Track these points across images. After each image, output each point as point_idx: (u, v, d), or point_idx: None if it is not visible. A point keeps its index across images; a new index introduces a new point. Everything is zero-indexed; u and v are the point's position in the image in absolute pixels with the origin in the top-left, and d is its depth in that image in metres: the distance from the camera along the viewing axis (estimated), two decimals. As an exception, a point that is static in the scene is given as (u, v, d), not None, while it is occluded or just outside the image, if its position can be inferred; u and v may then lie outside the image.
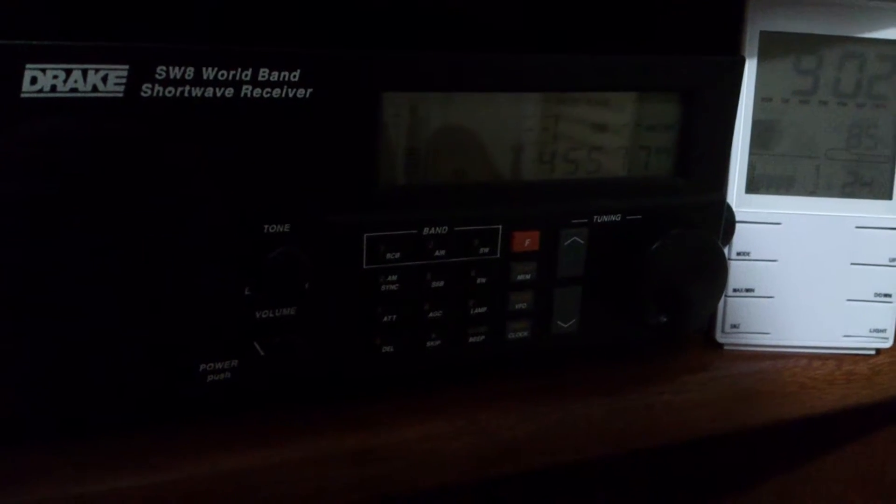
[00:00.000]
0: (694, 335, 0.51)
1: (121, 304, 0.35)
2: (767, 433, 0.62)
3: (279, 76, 0.35)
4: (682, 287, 0.44)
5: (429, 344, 0.41)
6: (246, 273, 0.37)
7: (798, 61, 0.48)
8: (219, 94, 0.34)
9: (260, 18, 0.48)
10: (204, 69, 0.33)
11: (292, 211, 0.37)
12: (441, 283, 0.40)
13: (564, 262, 0.43)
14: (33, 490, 0.34)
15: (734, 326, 0.50)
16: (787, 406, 0.50)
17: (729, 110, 0.45)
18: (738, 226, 0.48)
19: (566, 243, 0.43)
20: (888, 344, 0.51)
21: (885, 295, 0.50)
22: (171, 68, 0.33)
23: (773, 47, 0.48)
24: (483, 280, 0.41)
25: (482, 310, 0.42)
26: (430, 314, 0.41)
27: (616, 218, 0.43)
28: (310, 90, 0.36)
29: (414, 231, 0.39)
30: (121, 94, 0.32)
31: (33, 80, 0.31)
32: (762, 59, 0.48)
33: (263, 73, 0.35)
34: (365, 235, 0.38)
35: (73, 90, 0.32)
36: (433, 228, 0.40)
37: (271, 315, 0.38)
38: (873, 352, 0.52)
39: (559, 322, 0.44)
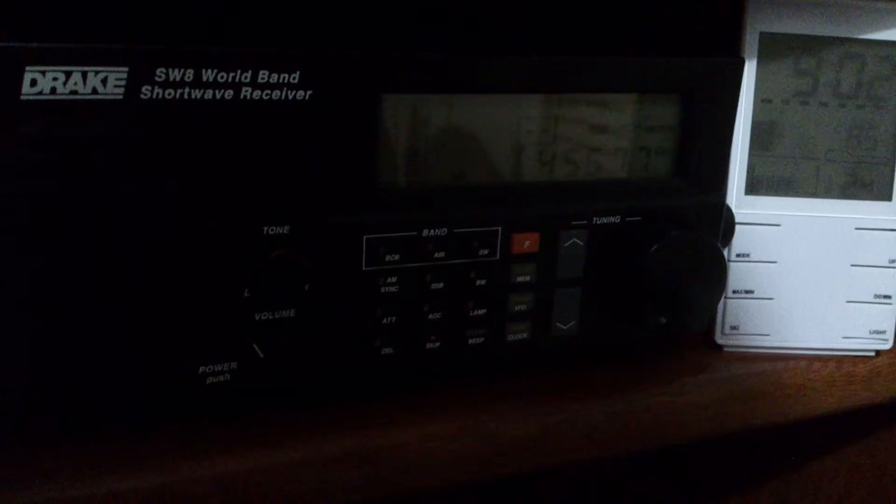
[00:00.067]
0: (693, 337, 0.51)
1: (120, 305, 0.35)
2: (767, 434, 0.62)
3: (279, 78, 0.35)
4: (681, 288, 0.44)
5: (428, 345, 0.41)
6: (245, 274, 0.37)
7: (798, 62, 0.48)
8: (218, 97, 0.34)
9: (259, 20, 0.48)
10: (203, 71, 0.33)
11: (292, 212, 0.37)
12: (441, 285, 0.40)
13: (564, 264, 0.43)
14: (32, 491, 0.34)
15: (734, 328, 0.50)
16: (786, 407, 0.50)
17: (729, 112, 0.45)
18: (737, 227, 0.48)
19: (566, 245, 0.43)
20: (888, 345, 0.51)
21: (885, 296, 0.50)
22: (170, 70, 0.33)
23: (772, 48, 0.48)
24: (482, 282, 0.41)
25: (482, 311, 0.42)
26: (430, 316, 0.41)
27: (616, 219, 0.43)
28: (309, 92, 0.36)
29: (413, 233, 0.39)
30: (120, 97, 0.32)
31: (33, 83, 0.31)
32: (762, 60, 0.48)
33: (263, 75, 0.35)
34: (364, 237, 0.38)
35: (73, 92, 0.32)
36: (433, 230, 0.40)
37: (271, 316, 0.38)
38: (873, 353, 0.52)
39: (559, 323, 0.44)
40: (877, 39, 0.48)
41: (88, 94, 0.32)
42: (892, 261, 0.50)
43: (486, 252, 0.41)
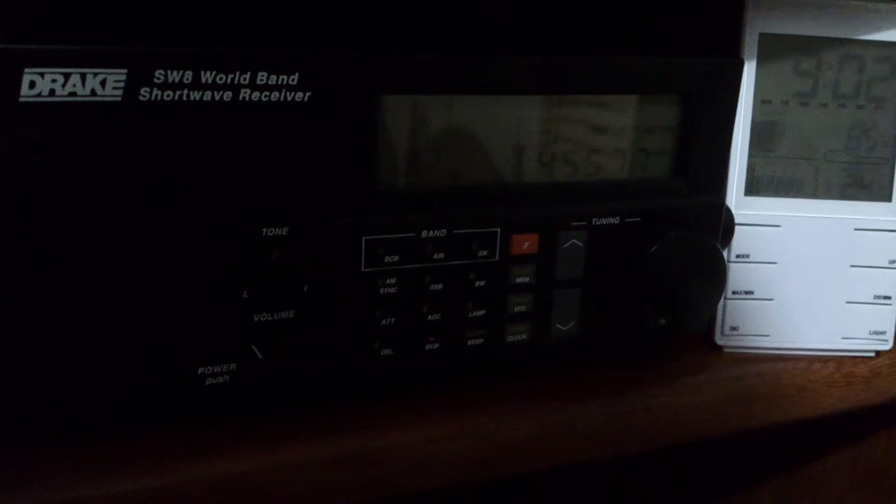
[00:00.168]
0: (693, 337, 0.51)
1: (120, 306, 0.35)
2: (767, 434, 0.62)
3: (278, 79, 0.35)
4: (680, 289, 0.44)
5: (427, 347, 0.41)
6: (245, 276, 0.37)
7: (797, 63, 0.48)
8: (217, 98, 0.34)
9: (258, 21, 0.48)
10: (202, 73, 0.33)
11: (291, 214, 0.37)
12: (440, 286, 0.40)
13: (563, 265, 0.43)
14: (31, 492, 0.34)
15: (733, 329, 0.50)
16: (786, 408, 0.50)
17: (728, 112, 0.45)
18: (737, 228, 0.48)
19: (565, 246, 0.43)
20: (888, 346, 0.51)
21: (885, 297, 0.50)
22: (169, 72, 0.33)
23: (772, 49, 0.48)
24: (482, 283, 0.41)
25: (481, 312, 0.42)
26: (429, 317, 0.41)
27: (615, 220, 0.43)
28: (308, 93, 0.36)
29: (413, 234, 0.39)
30: (119, 98, 0.32)
31: (32, 85, 0.31)
32: (761, 61, 0.48)
33: (262, 77, 0.35)
34: (363, 238, 0.38)
35: (72, 94, 0.32)
36: (432, 231, 0.40)
37: (270, 318, 0.38)
38: (873, 354, 0.51)
39: (558, 324, 0.44)
40: (876, 40, 0.48)
41: (87, 95, 0.32)
42: (892, 261, 0.50)
43: (485, 253, 0.41)
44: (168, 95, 0.33)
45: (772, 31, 0.47)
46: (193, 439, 0.38)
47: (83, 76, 0.32)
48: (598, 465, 0.76)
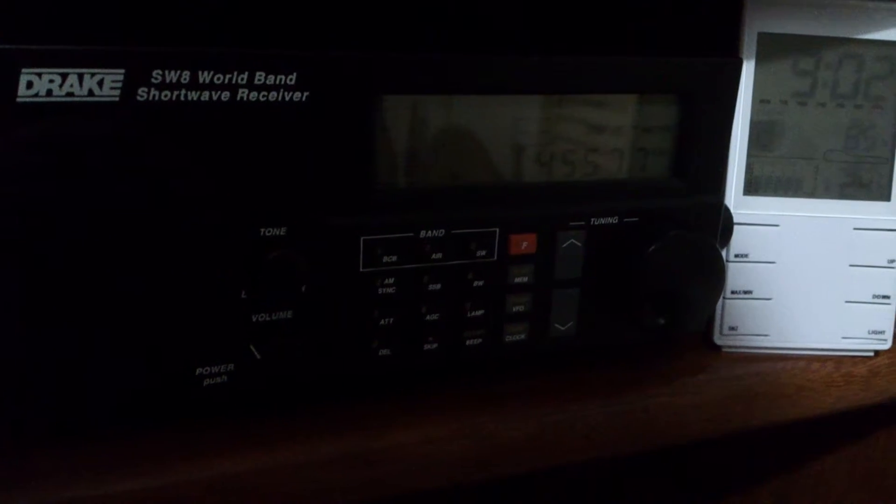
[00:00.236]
0: (692, 337, 0.51)
1: (117, 307, 0.35)
2: (767, 434, 0.62)
3: (275, 79, 0.35)
4: (679, 289, 0.44)
5: (426, 347, 0.41)
6: (243, 276, 0.37)
7: (796, 63, 0.48)
8: (215, 98, 0.34)
9: (256, 21, 0.48)
10: (200, 73, 0.33)
11: (289, 214, 0.37)
12: (438, 286, 0.40)
13: (562, 265, 0.43)
14: (29, 493, 0.34)
15: (732, 328, 0.50)
16: (785, 408, 0.50)
17: (727, 112, 0.45)
18: (736, 227, 0.48)
19: (563, 246, 0.43)
20: (887, 345, 0.51)
21: (884, 296, 0.50)
22: (166, 72, 0.33)
23: (771, 49, 0.48)
24: (480, 283, 0.41)
25: (479, 312, 0.42)
26: (428, 317, 0.41)
27: (613, 220, 0.43)
28: (306, 93, 0.36)
29: (411, 234, 0.39)
30: (117, 98, 0.32)
31: (29, 85, 0.31)
32: (760, 60, 0.48)
33: (259, 77, 0.35)
34: (362, 238, 0.38)
35: (70, 94, 0.32)
36: (430, 231, 0.40)
37: (268, 318, 0.38)
38: (872, 353, 0.51)
39: (557, 324, 0.44)
40: (875, 39, 0.48)
41: (85, 95, 0.32)
42: (891, 261, 0.50)
43: (483, 253, 0.41)
44: (166, 95, 0.33)
45: (770, 31, 0.47)
46: (191, 439, 0.38)
47: (80, 76, 0.32)
48: (597, 466, 0.76)
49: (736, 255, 0.49)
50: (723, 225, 0.46)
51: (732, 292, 0.49)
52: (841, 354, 0.51)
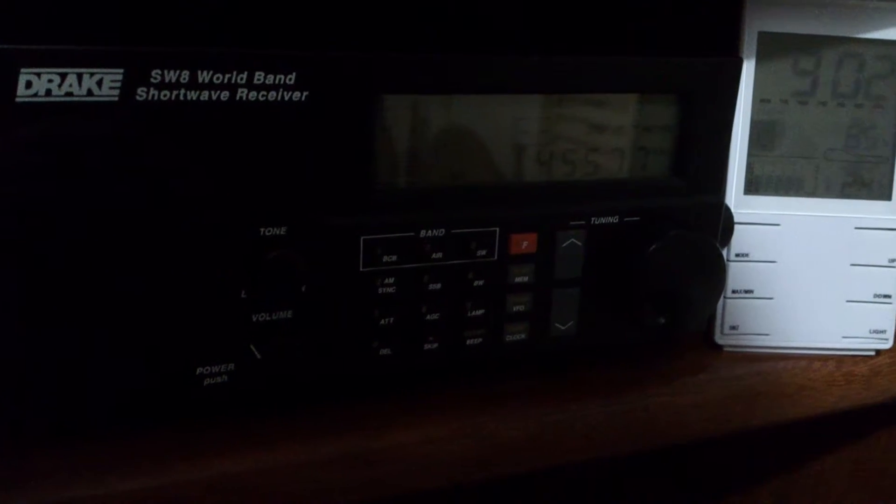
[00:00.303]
0: (693, 337, 0.51)
1: (117, 307, 0.35)
2: (767, 434, 0.62)
3: (275, 79, 0.35)
4: (680, 289, 0.44)
5: (426, 346, 0.41)
6: (242, 276, 0.37)
7: (796, 62, 0.48)
8: (214, 98, 0.34)
9: (255, 21, 0.48)
10: (199, 73, 0.33)
11: (289, 213, 0.37)
12: (438, 286, 0.40)
13: (562, 264, 0.43)
14: (29, 493, 0.34)
15: (733, 328, 0.50)
16: (786, 407, 0.50)
17: (727, 111, 0.45)
18: (736, 227, 0.48)
19: (564, 245, 0.43)
20: (888, 345, 0.51)
21: (885, 296, 0.50)
22: (165, 72, 0.33)
23: (771, 48, 0.48)
24: (480, 282, 0.41)
25: (479, 312, 0.42)
26: (428, 317, 0.41)
27: (614, 219, 0.43)
28: (306, 93, 0.36)
29: (411, 233, 0.39)
30: (116, 98, 0.32)
31: (28, 85, 0.31)
32: (760, 60, 0.48)
33: (259, 77, 0.35)
34: (362, 238, 0.38)
35: (69, 94, 0.32)
36: (430, 231, 0.40)
37: (268, 318, 0.37)
38: (873, 353, 0.51)
39: (557, 324, 0.44)
40: (876, 39, 0.48)
41: (84, 95, 0.32)
42: (892, 260, 0.50)
43: (483, 253, 0.41)
44: (165, 95, 0.33)
45: (771, 30, 0.47)
46: (191, 439, 0.38)
47: (80, 76, 0.32)
48: (597, 465, 0.76)
49: (737, 255, 0.49)
50: (723, 224, 0.46)
51: (733, 292, 0.49)
52: (842, 354, 0.51)
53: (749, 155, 0.49)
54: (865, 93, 0.49)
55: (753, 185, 0.49)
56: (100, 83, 0.32)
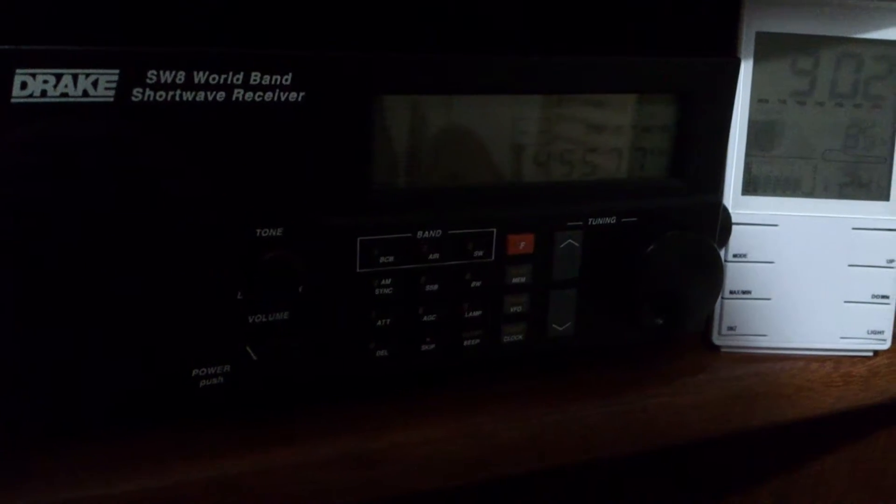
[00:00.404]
0: (691, 337, 0.51)
1: (113, 307, 0.35)
2: (767, 434, 0.62)
3: (271, 79, 0.35)
4: (678, 289, 0.44)
5: (424, 347, 0.41)
6: (239, 276, 0.37)
7: (794, 62, 0.48)
8: (210, 98, 0.34)
9: (251, 21, 0.48)
10: (195, 73, 0.33)
11: (285, 214, 0.37)
12: (435, 287, 0.40)
13: (559, 265, 0.43)
14: (28, 493, 0.34)
15: (731, 328, 0.50)
16: (784, 408, 0.49)
17: (725, 112, 0.45)
18: (734, 227, 0.48)
19: (561, 246, 0.43)
20: (886, 345, 0.51)
21: (883, 296, 0.50)
22: (161, 72, 0.33)
23: (769, 48, 0.48)
24: (478, 283, 0.41)
25: (477, 313, 0.42)
26: (425, 318, 0.40)
27: (611, 220, 0.43)
28: (302, 93, 0.36)
29: (408, 234, 0.39)
30: (111, 99, 0.32)
31: (23, 85, 0.31)
32: (758, 60, 0.48)
33: (255, 77, 0.34)
34: (358, 239, 0.38)
35: (64, 95, 0.32)
36: (427, 232, 0.40)
37: (264, 319, 0.37)
38: (871, 353, 0.51)
39: (554, 325, 0.44)
40: (874, 39, 0.48)
41: (79, 96, 0.32)
42: (890, 261, 0.49)
43: (481, 253, 0.41)
44: (161, 96, 0.33)
45: (768, 30, 0.47)
46: (189, 440, 0.38)
47: (75, 77, 0.31)
48: (596, 466, 0.76)
49: (734, 255, 0.49)
50: (721, 225, 0.46)
51: (731, 292, 0.49)
52: (840, 354, 0.51)
53: (747, 155, 0.49)
54: (864, 93, 0.49)
55: (751, 186, 0.49)
56: (95, 84, 0.32)
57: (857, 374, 0.51)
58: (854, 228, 0.49)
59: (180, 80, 0.33)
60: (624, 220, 0.44)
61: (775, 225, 0.49)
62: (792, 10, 0.47)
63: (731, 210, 0.47)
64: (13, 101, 0.31)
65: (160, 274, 0.35)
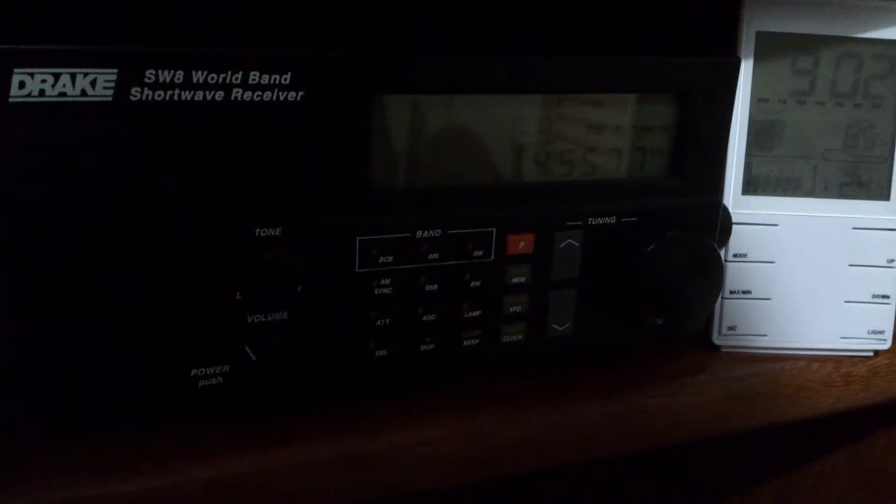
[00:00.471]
0: (690, 337, 0.51)
1: (111, 307, 0.35)
2: (767, 434, 0.62)
3: (270, 79, 0.35)
4: (678, 289, 0.44)
5: (423, 347, 0.41)
6: (238, 276, 0.37)
7: (795, 62, 0.48)
8: (209, 98, 0.34)
9: (250, 20, 0.48)
10: (193, 73, 0.33)
11: (285, 214, 0.37)
12: (435, 287, 0.40)
13: (559, 265, 0.43)
14: (28, 493, 0.34)
15: (731, 328, 0.50)
16: (784, 408, 0.49)
17: (725, 111, 0.45)
18: (734, 227, 0.48)
19: (561, 246, 0.42)
20: (886, 345, 0.51)
21: (883, 296, 0.50)
22: (160, 72, 0.33)
23: (769, 48, 0.48)
24: (477, 283, 0.41)
25: (476, 313, 0.42)
26: (424, 318, 0.40)
27: (611, 220, 0.43)
28: (301, 93, 0.35)
29: (407, 234, 0.39)
30: (110, 98, 0.32)
31: (21, 85, 0.31)
32: (758, 59, 0.47)
33: (254, 77, 0.34)
34: (358, 239, 0.38)
35: (62, 94, 0.32)
36: (427, 231, 0.40)
37: (263, 319, 0.37)
38: (871, 353, 0.51)
39: (554, 325, 0.44)
40: (874, 38, 0.48)
41: (77, 95, 0.32)
42: (890, 260, 0.49)
43: (480, 253, 0.41)
44: (159, 95, 0.33)
45: (769, 30, 0.47)
46: (188, 440, 0.38)
47: (73, 76, 0.31)
48: (596, 466, 0.76)
49: (735, 255, 0.49)
50: (721, 224, 0.46)
51: (731, 292, 0.49)
52: (840, 354, 0.51)
53: (747, 155, 0.48)
54: (864, 92, 0.49)
55: (751, 185, 0.49)
56: (94, 83, 0.32)
57: (857, 374, 0.51)
58: (854, 228, 0.49)
59: (179, 79, 0.33)
60: (624, 219, 0.43)
61: (775, 225, 0.49)
62: (792, 9, 0.47)
63: (731, 210, 0.47)
64: (11, 100, 0.31)
65: (159, 274, 0.35)
